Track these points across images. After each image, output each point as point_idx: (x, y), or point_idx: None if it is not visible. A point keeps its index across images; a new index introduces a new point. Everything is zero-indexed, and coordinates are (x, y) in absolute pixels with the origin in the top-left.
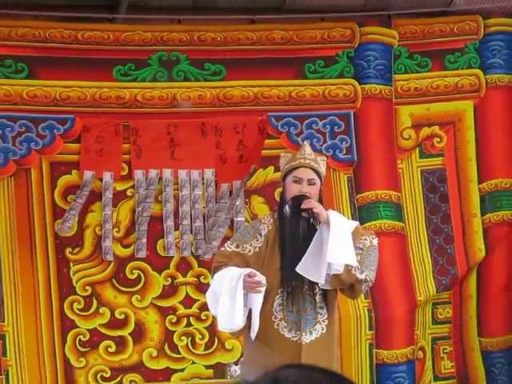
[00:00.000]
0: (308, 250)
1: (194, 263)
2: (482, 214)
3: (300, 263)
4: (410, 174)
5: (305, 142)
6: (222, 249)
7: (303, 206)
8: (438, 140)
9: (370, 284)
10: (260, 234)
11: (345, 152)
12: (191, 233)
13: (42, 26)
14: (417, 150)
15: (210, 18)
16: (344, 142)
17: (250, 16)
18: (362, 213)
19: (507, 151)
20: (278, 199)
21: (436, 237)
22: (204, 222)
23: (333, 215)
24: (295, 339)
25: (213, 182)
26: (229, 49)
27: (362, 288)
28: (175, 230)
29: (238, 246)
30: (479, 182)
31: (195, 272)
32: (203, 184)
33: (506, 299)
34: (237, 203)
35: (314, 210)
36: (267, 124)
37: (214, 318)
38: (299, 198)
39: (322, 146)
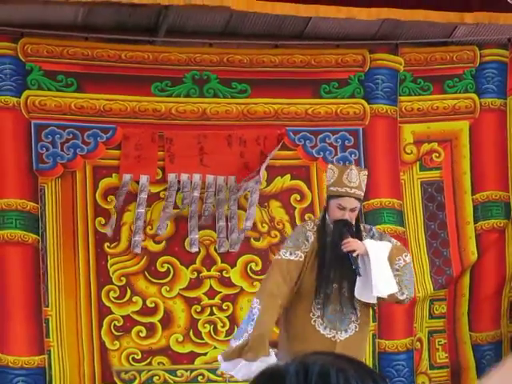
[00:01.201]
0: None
1: (218, 259)
2: (475, 222)
3: (355, 288)
4: (411, 185)
5: (352, 167)
6: (278, 257)
7: (344, 250)
8: (437, 155)
9: (411, 298)
10: (307, 241)
11: (354, 164)
12: (215, 231)
13: (91, 47)
14: (417, 163)
15: (238, 42)
16: (353, 155)
17: (273, 41)
18: (367, 217)
19: (498, 166)
20: (293, 204)
21: (433, 241)
22: (226, 222)
23: (370, 248)
24: (330, 336)
25: (235, 188)
26: (254, 70)
27: (404, 302)
28: (199, 230)
29: (291, 254)
30: (472, 193)
31: (218, 267)
32: (227, 189)
33: (495, 298)
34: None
35: (354, 254)
36: (285, 137)
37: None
38: (340, 225)
39: (333, 157)
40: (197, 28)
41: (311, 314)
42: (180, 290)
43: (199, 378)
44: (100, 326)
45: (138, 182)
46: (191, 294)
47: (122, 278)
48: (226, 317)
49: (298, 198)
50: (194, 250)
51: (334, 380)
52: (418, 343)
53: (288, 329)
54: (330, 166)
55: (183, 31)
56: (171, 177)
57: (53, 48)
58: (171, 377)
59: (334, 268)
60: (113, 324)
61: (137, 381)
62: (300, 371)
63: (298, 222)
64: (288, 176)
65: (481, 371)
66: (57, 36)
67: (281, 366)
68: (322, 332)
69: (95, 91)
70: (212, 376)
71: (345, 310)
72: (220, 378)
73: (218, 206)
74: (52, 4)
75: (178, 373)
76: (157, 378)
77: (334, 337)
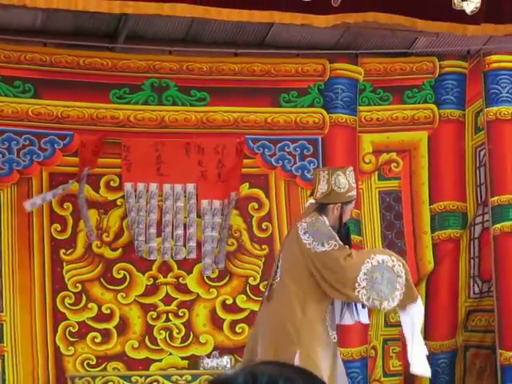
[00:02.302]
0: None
1: (174, 266)
2: (432, 232)
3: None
4: (369, 194)
5: (351, 168)
6: (338, 247)
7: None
8: (395, 165)
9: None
10: None
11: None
12: (172, 239)
13: (49, 52)
14: (376, 173)
15: (197, 50)
16: (312, 164)
17: (233, 50)
18: None
19: (455, 177)
20: (251, 212)
21: (390, 250)
22: (184, 230)
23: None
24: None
25: (194, 196)
26: (213, 78)
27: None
28: (157, 237)
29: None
30: (430, 203)
31: (175, 273)
32: (185, 197)
33: (451, 307)
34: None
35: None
36: (244, 145)
37: None
38: (347, 226)
39: (292, 166)
40: (157, 35)
41: (325, 315)
42: (136, 296)
43: None
44: (55, 332)
45: (96, 191)
46: (147, 301)
47: (78, 285)
48: (182, 323)
49: (256, 207)
50: (153, 258)
51: None
52: (372, 351)
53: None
54: (336, 172)
55: (143, 37)
56: (127, 186)
57: (10, 53)
58: (126, 383)
59: None
60: (68, 330)
61: None
62: (248, 381)
63: (255, 230)
64: (246, 184)
65: (435, 380)
66: (15, 41)
67: (229, 376)
68: (329, 334)
69: (53, 97)
70: (167, 382)
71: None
72: None
73: (175, 214)
74: (10, 8)
75: (133, 379)
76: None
77: (334, 338)
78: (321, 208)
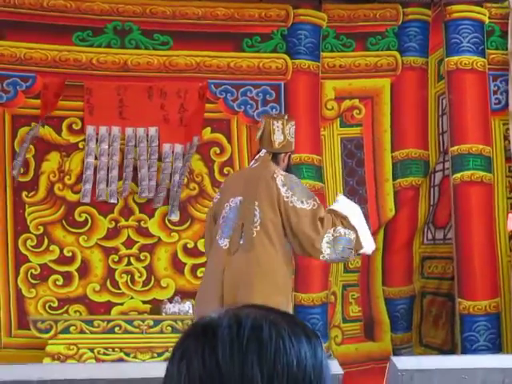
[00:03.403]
0: None
1: (136, 209)
2: (394, 179)
3: None
4: (331, 141)
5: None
6: (317, 206)
7: None
8: (358, 112)
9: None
10: None
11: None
12: (135, 183)
13: None
14: (338, 119)
15: None
16: (274, 110)
17: None
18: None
19: (418, 125)
20: (212, 157)
21: (351, 197)
22: (148, 170)
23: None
24: None
25: (156, 139)
26: (177, 22)
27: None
28: (119, 180)
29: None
30: (392, 151)
31: (136, 217)
32: (147, 140)
33: (407, 254)
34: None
35: None
36: (206, 90)
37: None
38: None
39: (254, 112)
40: None
41: None
42: (98, 239)
43: (116, 328)
44: (16, 274)
45: (59, 133)
46: (109, 244)
47: (40, 227)
48: (144, 267)
49: (218, 152)
50: (113, 201)
51: (267, 334)
52: (332, 297)
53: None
54: (290, 121)
55: None
56: (89, 129)
57: None
58: (88, 327)
59: None
60: (29, 272)
61: (53, 331)
62: (233, 325)
63: (216, 175)
64: (208, 129)
65: (394, 325)
66: None
67: (213, 319)
68: None
69: (16, 39)
70: (129, 327)
71: None
72: (137, 330)
73: (139, 156)
74: None
75: (95, 323)
76: (73, 328)
77: None
78: (274, 158)
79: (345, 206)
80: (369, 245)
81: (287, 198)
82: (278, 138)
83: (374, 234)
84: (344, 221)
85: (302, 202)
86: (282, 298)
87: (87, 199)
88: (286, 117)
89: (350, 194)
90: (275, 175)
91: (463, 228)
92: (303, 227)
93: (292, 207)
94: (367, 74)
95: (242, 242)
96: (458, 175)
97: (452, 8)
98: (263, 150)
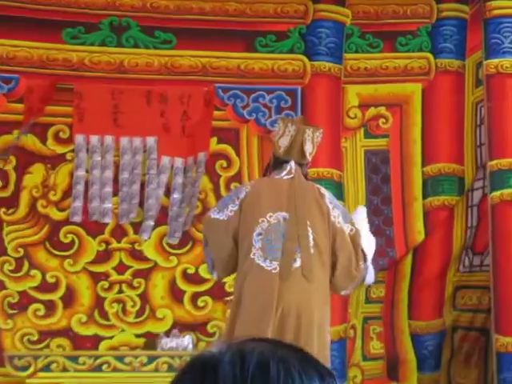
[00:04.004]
0: None
1: (129, 230)
2: (424, 198)
3: None
4: (353, 154)
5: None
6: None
7: None
8: (384, 121)
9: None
10: None
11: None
12: (130, 201)
13: None
14: (362, 129)
15: None
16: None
17: None
18: None
19: (452, 136)
20: (218, 171)
21: (375, 218)
22: (142, 188)
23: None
24: None
25: (155, 150)
26: (180, 18)
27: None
28: (113, 197)
29: None
30: (422, 166)
31: (130, 238)
32: (145, 152)
33: (438, 283)
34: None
35: None
36: (213, 95)
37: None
38: None
39: (267, 120)
40: None
41: None
42: (85, 263)
43: (104, 366)
44: None
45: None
46: (98, 269)
47: (20, 249)
48: (137, 295)
49: (225, 165)
50: (107, 220)
51: (274, 371)
52: (351, 331)
53: None
54: (318, 130)
55: None
56: (79, 138)
57: None
58: (72, 364)
59: None
60: (6, 301)
61: (32, 368)
62: (236, 361)
63: (222, 191)
64: (214, 139)
65: (421, 364)
66: None
67: (214, 355)
68: None
69: None
70: (119, 364)
71: None
72: (128, 367)
73: (132, 170)
74: None
75: (80, 360)
76: (55, 365)
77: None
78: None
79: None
80: (371, 277)
81: (334, 217)
82: (308, 148)
83: (401, 259)
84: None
85: (346, 224)
86: (328, 328)
87: (78, 218)
88: (313, 125)
89: (374, 214)
90: (322, 191)
91: (502, 254)
92: (348, 254)
93: (339, 228)
94: (396, 78)
95: (296, 266)
96: (497, 193)
97: (493, 4)
98: (292, 162)
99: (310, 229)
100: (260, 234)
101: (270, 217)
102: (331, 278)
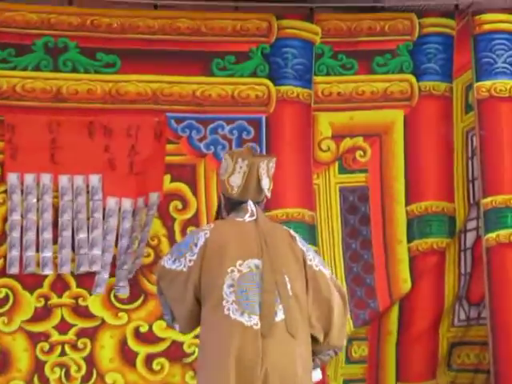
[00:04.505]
0: None
1: (72, 282)
2: (409, 241)
3: None
4: (327, 191)
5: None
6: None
7: None
8: (361, 154)
9: None
10: None
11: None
12: (72, 248)
13: None
14: (336, 163)
15: None
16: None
17: (152, 0)
18: None
19: (440, 170)
20: (172, 214)
21: (354, 264)
22: (88, 234)
23: None
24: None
25: (99, 190)
26: (126, 37)
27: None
28: (53, 244)
29: None
30: (407, 204)
31: (73, 293)
32: (88, 192)
33: (430, 340)
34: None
35: None
36: (165, 126)
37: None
38: None
39: None
40: None
41: None
42: (22, 322)
43: None
44: None
45: None
46: (36, 328)
47: None
48: (83, 358)
49: (180, 207)
50: (48, 272)
51: None
52: None
53: None
54: (273, 160)
55: None
56: (12, 178)
57: None
58: None
59: None
60: None
61: None
62: None
63: (178, 237)
64: (168, 177)
65: None
66: None
67: None
68: None
69: None
70: None
71: None
72: None
73: (76, 214)
74: None
75: None
76: None
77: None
78: None
79: None
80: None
81: (310, 260)
82: (265, 183)
83: (385, 312)
84: None
85: (325, 267)
86: None
87: (15, 269)
88: (269, 156)
89: (352, 260)
90: (292, 233)
91: (500, 304)
92: (335, 299)
93: (319, 272)
94: (374, 104)
95: (277, 320)
96: (493, 235)
97: (482, 17)
98: (250, 201)
99: (286, 277)
100: (231, 286)
101: (240, 265)
102: (324, 338)
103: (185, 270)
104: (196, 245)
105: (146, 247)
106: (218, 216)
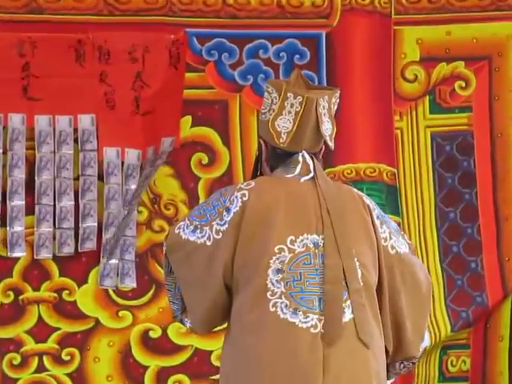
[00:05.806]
0: None
1: (54, 269)
2: None
3: None
4: (413, 139)
5: None
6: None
7: None
8: (463, 85)
9: None
10: None
11: None
12: (53, 220)
13: None
14: (427, 99)
15: None
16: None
17: None
18: None
19: None
20: (195, 172)
21: (452, 242)
22: (77, 200)
23: None
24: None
25: (93, 137)
26: None
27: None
28: (26, 215)
29: None
30: None
31: (55, 284)
32: (76, 140)
33: None
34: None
35: None
36: (185, 47)
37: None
38: None
39: None
40: None
41: None
42: None
43: None
44: None
45: None
46: (3, 334)
47: None
48: (68, 374)
49: (205, 161)
50: (20, 254)
51: None
52: None
53: None
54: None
55: None
56: None
57: None
58: None
59: None
60: None
61: None
62: None
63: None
64: (188, 119)
65: None
66: None
67: None
68: None
69: None
70: None
71: None
72: None
73: (59, 171)
74: None
75: None
76: None
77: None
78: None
79: None
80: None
81: (385, 240)
82: (327, 128)
83: (496, 309)
84: None
85: (403, 242)
86: None
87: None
88: (333, 88)
89: (451, 236)
90: (365, 199)
91: None
92: (422, 287)
93: (396, 257)
94: (481, 14)
95: (346, 321)
96: None
97: None
98: (302, 152)
99: (356, 261)
100: (280, 272)
101: (293, 243)
102: (399, 339)
103: (209, 243)
104: (228, 210)
105: (157, 218)
106: (257, 173)
